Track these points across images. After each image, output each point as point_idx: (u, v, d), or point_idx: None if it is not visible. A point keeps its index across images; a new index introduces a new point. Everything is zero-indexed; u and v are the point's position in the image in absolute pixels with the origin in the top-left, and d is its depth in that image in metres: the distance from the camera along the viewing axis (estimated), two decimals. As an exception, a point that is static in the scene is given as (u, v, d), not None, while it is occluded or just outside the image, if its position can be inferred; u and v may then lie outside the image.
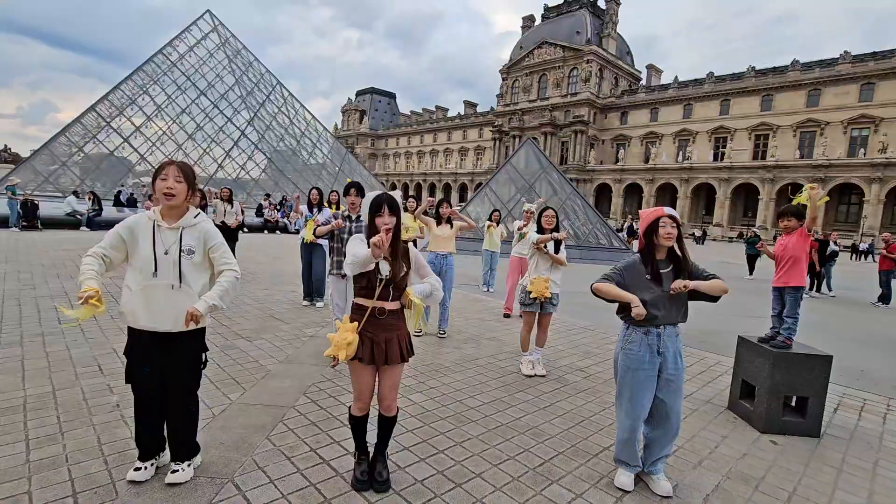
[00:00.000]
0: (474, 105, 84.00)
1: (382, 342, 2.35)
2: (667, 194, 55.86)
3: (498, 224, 8.99)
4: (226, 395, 3.49)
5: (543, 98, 66.33)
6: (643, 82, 67.91)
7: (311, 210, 6.61)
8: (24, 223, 13.52)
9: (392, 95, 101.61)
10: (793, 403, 3.70)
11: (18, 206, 13.45)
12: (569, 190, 17.56)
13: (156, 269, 2.24)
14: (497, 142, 71.46)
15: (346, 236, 4.44)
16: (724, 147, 52.54)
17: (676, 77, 59.52)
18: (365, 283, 2.38)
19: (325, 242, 6.77)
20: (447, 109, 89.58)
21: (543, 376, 4.42)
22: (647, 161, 57.24)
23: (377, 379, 2.46)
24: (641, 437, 2.70)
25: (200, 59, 39.89)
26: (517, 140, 67.17)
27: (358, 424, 2.51)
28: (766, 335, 3.84)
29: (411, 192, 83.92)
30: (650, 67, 68.82)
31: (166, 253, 2.27)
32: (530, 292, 4.35)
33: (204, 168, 37.00)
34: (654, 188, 55.81)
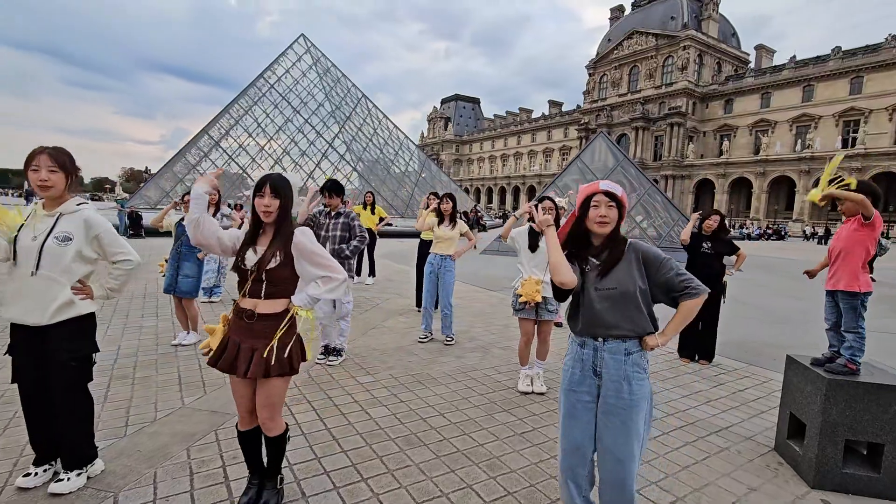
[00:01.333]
0: (559, 104, 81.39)
1: (248, 350, 2.01)
2: (782, 188, 49.36)
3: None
4: (182, 398, 3.39)
5: (634, 91, 62.25)
6: (752, 65, 60.83)
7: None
8: (131, 231, 15.39)
9: (476, 101, 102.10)
10: (863, 451, 2.72)
11: (126, 217, 15.36)
12: (647, 185, 15.98)
13: (15, 257, 2.14)
14: (583, 140, 68.38)
15: (329, 234, 4.21)
16: (855, 132, 45.10)
17: (794, 56, 52.45)
18: (239, 276, 2.07)
19: None
20: (531, 111, 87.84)
21: (542, 394, 3.79)
22: (756, 152, 50.97)
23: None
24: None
25: (295, 79, 43.02)
26: (605, 137, 63.70)
27: (242, 441, 2.20)
28: (823, 355, 2.89)
29: (493, 196, 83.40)
30: (760, 48, 61.47)
31: (34, 239, 2.15)
32: (520, 296, 3.76)
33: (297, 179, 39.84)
34: (765, 182, 49.58)
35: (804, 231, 37.50)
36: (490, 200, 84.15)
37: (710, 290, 1.97)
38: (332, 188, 4.24)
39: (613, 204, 1.86)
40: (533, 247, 3.84)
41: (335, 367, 4.20)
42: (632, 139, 61.19)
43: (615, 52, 65.10)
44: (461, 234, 5.15)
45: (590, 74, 69.78)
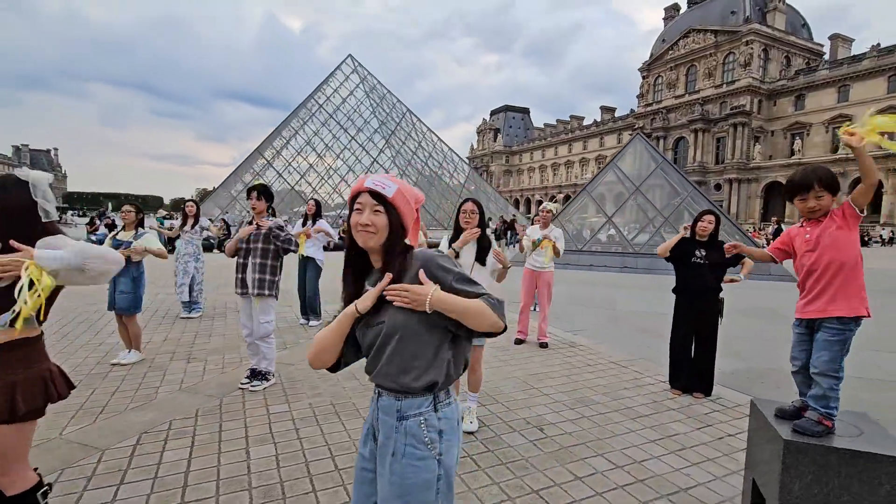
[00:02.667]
0: (612, 110, 78.65)
1: None
2: (867, 190, 44.33)
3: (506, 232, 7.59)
4: (61, 428, 3.13)
5: (692, 91, 58.89)
6: (826, 57, 55.71)
7: (305, 222, 6.27)
8: (170, 247, 16.14)
9: (525, 111, 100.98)
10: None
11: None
12: (689, 190, 14.62)
13: None
14: (638, 146, 65.52)
15: (251, 247, 3.87)
16: (955, 123, 39.72)
17: (878, 43, 47.44)
18: None
19: (319, 256, 6.37)
20: (582, 118, 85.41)
21: (471, 433, 3.19)
22: (835, 151, 46.25)
23: None
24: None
25: (343, 98, 44.33)
26: (661, 142, 60.66)
27: None
28: (793, 404, 2.13)
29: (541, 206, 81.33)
30: (835, 38, 56.19)
31: None
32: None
33: (341, 194, 41.13)
34: (846, 183, 44.74)
35: (881, 236, 33.29)
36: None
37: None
38: (261, 190, 3.91)
39: (381, 208, 1.33)
40: (482, 261, 3.29)
41: (256, 392, 3.83)
42: (690, 142, 57.74)
43: (670, 52, 62.07)
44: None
45: (643, 77, 66.93)
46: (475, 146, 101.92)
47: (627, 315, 7.79)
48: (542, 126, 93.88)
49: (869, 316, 2.05)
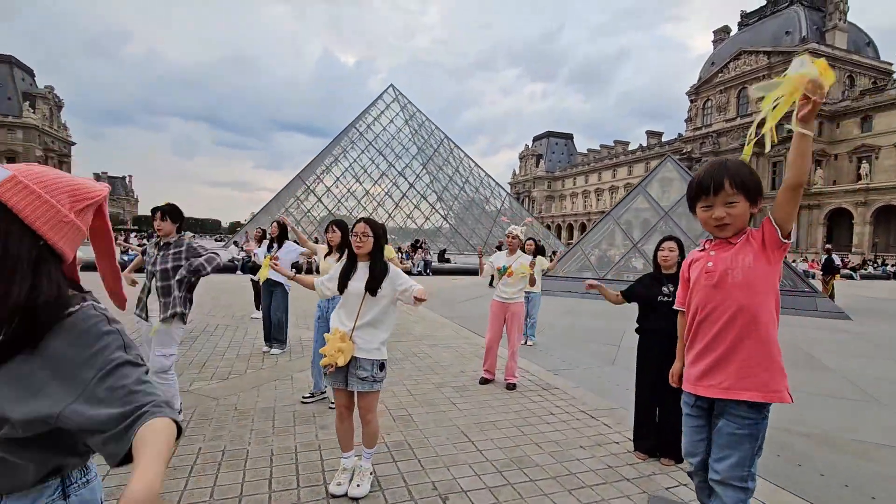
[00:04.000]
0: (658, 134, 76.38)
1: None
2: (949, 218, 40.04)
3: (535, 256, 6.97)
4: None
5: (744, 115, 56.13)
6: (896, 76, 51.75)
7: (270, 246, 5.99)
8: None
9: (569, 136, 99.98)
10: None
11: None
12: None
13: None
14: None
15: (156, 268, 3.57)
16: None
17: (955, 59, 43.59)
18: None
19: (285, 282, 6.06)
20: (627, 143, 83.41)
21: (354, 500, 2.65)
22: (909, 175, 42.31)
23: None
24: None
25: (383, 126, 45.42)
26: (711, 166, 57.90)
27: None
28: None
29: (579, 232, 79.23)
30: (907, 54, 52.10)
31: None
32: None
33: (379, 218, 41.70)
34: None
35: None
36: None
37: (175, 420, 0.87)
38: (168, 211, 3.63)
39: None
40: (373, 291, 2.77)
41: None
42: (743, 167, 54.72)
43: (720, 74, 59.84)
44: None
45: (691, 101, 64.76)
46: (517, 172, 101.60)
47: (629, 352, 6.92)
48: (586, 151, 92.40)
49: (791, 401, 1.42)
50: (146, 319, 3.57)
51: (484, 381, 4.95)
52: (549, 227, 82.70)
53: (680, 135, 67.95)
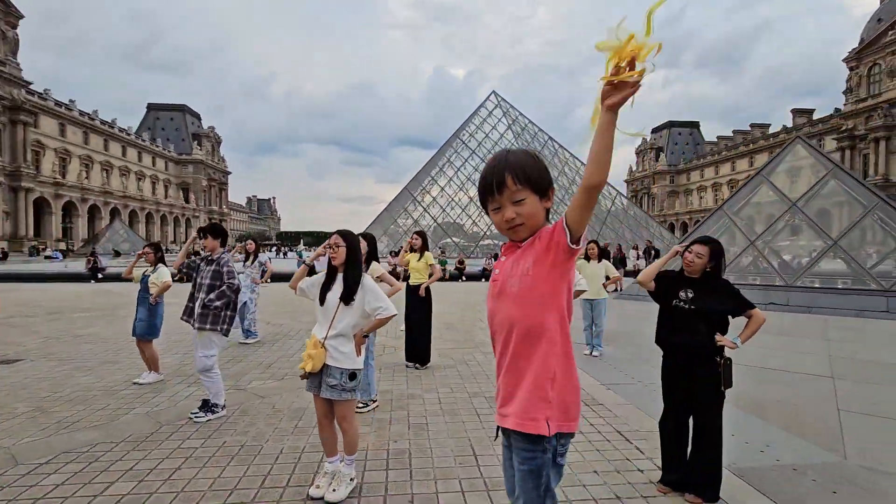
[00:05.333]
0: (808, 112, 65.46)
1: None
2: None
3: (599, 260, 6.45)
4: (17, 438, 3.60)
5: (927, 77, 45.58)
6: None
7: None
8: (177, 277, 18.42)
9: (694, 125, 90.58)
10: None
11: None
12: (874, 202, 11.01)
13: None
14: (846, 152, 53.01)
15: (204, 282, 4.05)
16: None
17: None
18: None
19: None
20: (767, 126, 72.88)
21: (332, 505, 2.70)
22: None
23: None
24: None
25: (486, 133, 45.93)
26: (879, 145, 48.18)
27: None
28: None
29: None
30: None
31: None
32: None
33: (478, 224, 42.11)
34: None
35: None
36: (715, 235, 71.79)
37: None
38: (209, 230, 4.12)
39: None
40: (347, 300, 2.87)
41: (199, 423, 3.92)
42: (928, 141, 44.37)
43: (890, 32, 49.39)
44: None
45: (851, 69, 54.48)
46: (634, 168, 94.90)
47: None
48: (716, 140, 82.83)
49: (572, 433, 1.16)
50: (193, 325, 4.06)
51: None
52: (672, 225, 75.64)
53: (837, 110, 57.51)
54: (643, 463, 3.28)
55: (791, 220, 12.00)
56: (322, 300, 2.86)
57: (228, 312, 4.08)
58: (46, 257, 39.31)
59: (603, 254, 6.62)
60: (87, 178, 59.29)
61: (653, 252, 23.53)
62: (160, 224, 74.94)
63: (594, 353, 6.45)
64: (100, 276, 19.35)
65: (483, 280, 20.44)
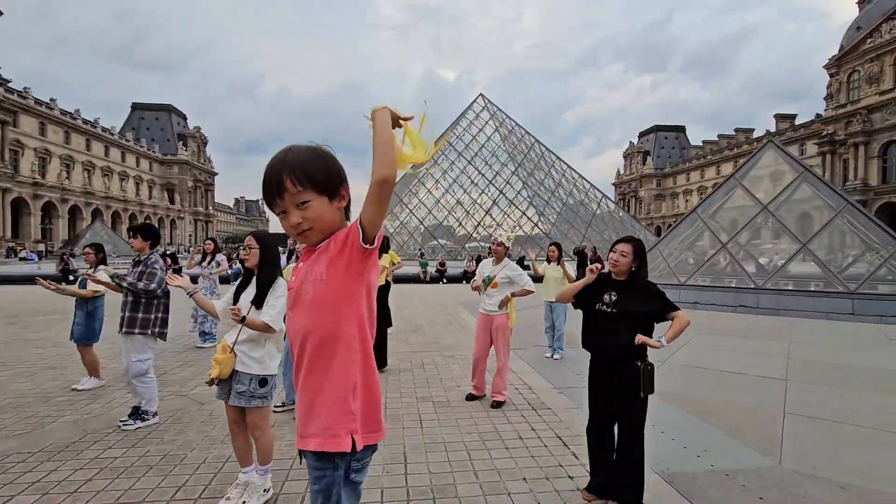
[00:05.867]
0: (790, 117, 66.53)
1: None
2: None
3: (559, 262, 6.42)
4: (-66, 449, 3.43)
5: (904, 84, 46.57)
6: None
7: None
8: (117, 281, 18.18)
9: (680, 129, 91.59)
10: None
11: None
12: (841, 204, 11.12)
13: None
14: (826, 157, 54.01)
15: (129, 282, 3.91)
16: None
17: None
18: None
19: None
20: (751, 130, 73.96)
21: (235, 519, 2.59)
22: None
23: None
24: None
25: (472, 136, 46.02)
26: (862, 149, 49.11)
27: None
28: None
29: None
30: None
31: None
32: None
33: (464, 225, 42.14)
34: None
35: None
36: (700, 238, 72.59)
37: None
38: (139, 230, 3.99)
39: None
40: (259, 304, 2.75)
41: (127, 431, 3.77)
42: (906, 147, 45.28)
43: (869, 40, 50.40)
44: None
45: (832, 75, 55.45)
46: (622, 171, 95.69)
47: (666, 370, 6.00)
48: (701, 144, 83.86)
49: (375, 444, 1.09)
50: (120, 331, 3.91)
51: (471, 398, 4.62)
52: (658, 228, 76.30)
53: (818, 115, 58.49)
54: (576, 469, 3.20)
55: (763, 224, 12.10)
56: (235, 302, 2.76)
57: (159, 315, 3.95)
58: (21, 259, 38.48)
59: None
60: (67, 178, 58.18)
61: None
62: (144, 225, 73.56)
63: (555, 356, 6.40)
64: (71, 277, 18.90)
65: (464, 282, 20.34)
